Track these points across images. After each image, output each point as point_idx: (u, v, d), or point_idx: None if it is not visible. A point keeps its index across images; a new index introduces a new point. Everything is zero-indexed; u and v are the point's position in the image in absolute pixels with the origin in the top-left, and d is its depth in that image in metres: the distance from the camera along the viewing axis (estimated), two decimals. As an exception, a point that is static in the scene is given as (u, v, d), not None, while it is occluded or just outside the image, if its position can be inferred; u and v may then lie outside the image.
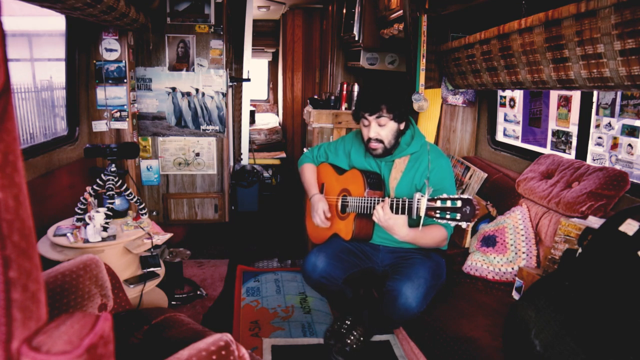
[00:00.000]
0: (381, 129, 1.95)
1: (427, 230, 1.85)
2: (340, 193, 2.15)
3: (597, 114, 2.14)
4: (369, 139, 1.98)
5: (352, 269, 2.09)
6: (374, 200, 1.90)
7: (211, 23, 3.44)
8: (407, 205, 1.71)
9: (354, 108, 2.11)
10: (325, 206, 2.15)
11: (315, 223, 2.17)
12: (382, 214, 1.76)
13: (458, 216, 1.56)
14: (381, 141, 1.97)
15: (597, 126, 2.15)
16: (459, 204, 1.56)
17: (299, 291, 2.80)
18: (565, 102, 2.38)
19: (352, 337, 2.07)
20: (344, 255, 2.09)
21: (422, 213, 1.62)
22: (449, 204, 1.58)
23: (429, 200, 1.62)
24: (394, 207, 1.75)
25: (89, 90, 2.99)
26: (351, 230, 2.04)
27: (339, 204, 2.14)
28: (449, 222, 1.58)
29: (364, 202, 1.94)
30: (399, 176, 2.03)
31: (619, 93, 2.02)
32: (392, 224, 1.77)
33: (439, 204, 1.60)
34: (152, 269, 2.30)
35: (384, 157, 2.03)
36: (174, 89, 3.51)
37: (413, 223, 1.78)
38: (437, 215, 1.60)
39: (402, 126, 2.01)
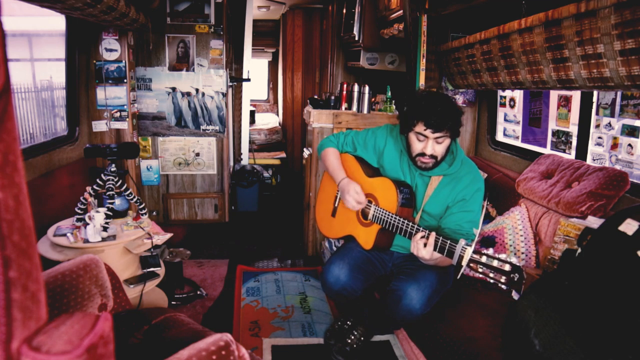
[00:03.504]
0: (438, 146, 1.84)
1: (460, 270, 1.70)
2: (366, 196, 2.03)
3: (597, 114, 2.14)
4: (422, 154, 1.86)
5: (371, 280, 2.05)
6: (406, 223, 1.80)
7: (211, 23, 3.45)
8: (447, 248, 1.61)
9: (405, 112, 1.89)
10: (358, 187, 2.01)
11: (349, 206, 2.02)
12: (422, 252, 1.67)
13: (503, 279, 1.44)
14: (435, 156, 1.86)
15: (597, 126, 2.15)
16: (507, 267, 1.44)
17: (299, 291, 2.81)
18: (565, 102, 2.38)
19: (352, 337, 2.06)
20: (364, 266, 2.03)
21: (464, 263, 1.53)
22: (495, 263, 1.46)
23: (474, 252, 1.52)
24: (436, 246, 1.66)
25: (89, 90, 2.99)
26: (372, 241, 1.97)
27: (364, 208, 2.04)
28: (492, 281, 1.46)
29: (394, 221, 1.84)
30: (431, 192, 1.94)
31: (619, 93, 2.02)
32: (428, 259, 1.71)
33: (484, 259, 1.49)
34: (152, 269, 2.30)
35: (432, 169, 1.92)
36: (174, 89, 3.51)
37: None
38: (480, 270, 1.50)
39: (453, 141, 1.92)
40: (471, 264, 1.52)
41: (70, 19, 2.64)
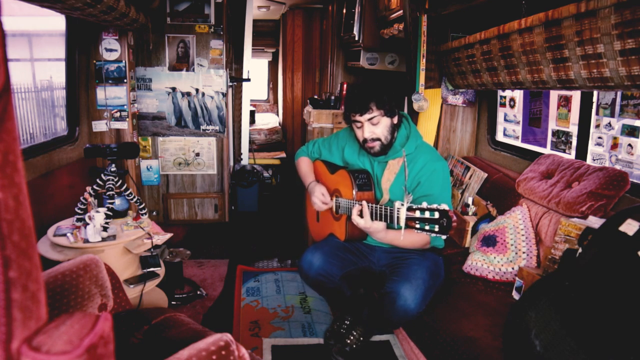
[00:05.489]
0: (375, 127, 1.93)
1: (406, 235, 1.81)
2: (333, 193, 2.14)
3: (597, 114, 2.14)
4: (365, 140, 1.96)
5: (349, 267, 2.09)
6: (358, 204, 1.89)
7: (211, 23, 3.45)
8: (388, 213, 1.70)
9: (343, 110, 2.11)
10: (323, 189, 2.13)
11: (316, 207, 2.16)
12: (361, 222, 1.78)
13: (436, 228, 1.54)
14: (377, 139, 1.95)
15: (597, 126, 2.15)
16: (436, 215, 1.53)
17: (299, 291, 2.80)
18: (565, 102, 2.38)
19: (351, 337, 2.07)
20: (340, 253, 2.09)
21: (402, 223, 1.61)
22: (427, 214, 1.55)
23: (408, 210, 1.60)
24: (376, 214, 1.74)
25: (89, 90, 2.99)
26: (344, 232, 2.04)
27: (333, 204, 2.13)
28: (429, 233, 1.56)
29: (353, 205, 1.92)
30: (392, 178, 2.01)
31: (619, 93, 2.02)
32: (372, 230, 1.79)
33: (417, 214, 1.58)
34: (152, 269, 2.30)
35: (383, 153, 2.01)
36: (174, 89, 3.51)
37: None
38: (417, 226, 1.58)
39: (395, 120, 1.98)
40: (409, 222, 1.59)
41: (70, 19, 2.64)
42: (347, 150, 2.18)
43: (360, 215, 1.82)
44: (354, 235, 2.05)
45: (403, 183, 1.98)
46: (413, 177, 1.97)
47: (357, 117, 1.93)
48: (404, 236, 1.74)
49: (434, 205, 1.56)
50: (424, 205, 1.58)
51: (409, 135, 2.02)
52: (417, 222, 1.58)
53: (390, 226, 1.81)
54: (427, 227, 1.56)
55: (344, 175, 2.06)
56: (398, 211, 1.63)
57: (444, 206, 1.54)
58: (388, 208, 1.70)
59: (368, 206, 1.80)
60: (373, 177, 2.05)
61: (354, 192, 1.95)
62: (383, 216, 1.72)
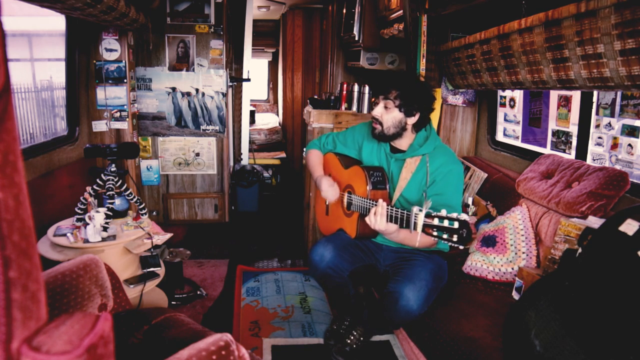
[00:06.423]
0: (385, 112, 1.95)
1: (416, 236, 1.79)
2: (346, 188, 2.12)
3: (597, 114, 2.14)
4: (374, 117, 2.00)
5: (358, 263, 2.09)
6: (372, 203, 1.86)
7: (211, 23, 3.45)
8: (405, 217, 1.68)
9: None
10: (330, 180, 2.14)
11: (326, 198, 2.15)
12: (376, 222, 1.76)
13: (455, 237, 1.52)
14: (380, 123, 1.97)
15: (597, 126, 2.15)
16: (456, 225, 1.51)
17: (299, 291, 2.81)
18: (565, 102, 2.38)
19: (352, 337, 2.07)
20: (350, 249, 2.09)
21: (419, 229, 1.59)
22: (446, 223, 1.53)
23: (426, 216, 1.58)
24: (392, 217, 1.73)
25: (89, 90, 2.99)
26: (355, 229, 2.02)
27: (345, 200, 2.10)
28: (446, 241, 1.54)
29: (367, 204, 1.90)
30: (409, 176, 2.00)
31: (619, 93, 2.02)
32: (384, 231, 1.78)
33: (436, 221, 1.56)
34: (152, 269, 2.30)
35: (381, 140, 2.03)
36: (174, 89, 3.51)
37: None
38: (435, 234, 1.56)
39: (409, 120, 1.96)
40: (426, 229, 1.57)
41: (70, 19, 2.65)
42: (365, 146, 2.17)
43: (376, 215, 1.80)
44: (365, 233, 2.03)
45: (419, 182, 1.97)
46: (429, 175, 1.95)
47: (378, 95, 2.00)
48: (413, 237, 1.72)
49: (454, 215, 1.53)
50: (443, 213, 1.55)
51: (428, 137, 2.03)
52: (434, 229, 1.56)
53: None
54: (444, 236, 1.53)
55: (358, 171, 2.04)
56: (416, 217, 1.61)
57: (464, 216, 1.52)
58: (405, 212, 1.67)
59: (383, 206, 1.78)
60: (388, 174, 2.04)
61: (367, 190, 1.94)
62: (399, 219, 1.70)
